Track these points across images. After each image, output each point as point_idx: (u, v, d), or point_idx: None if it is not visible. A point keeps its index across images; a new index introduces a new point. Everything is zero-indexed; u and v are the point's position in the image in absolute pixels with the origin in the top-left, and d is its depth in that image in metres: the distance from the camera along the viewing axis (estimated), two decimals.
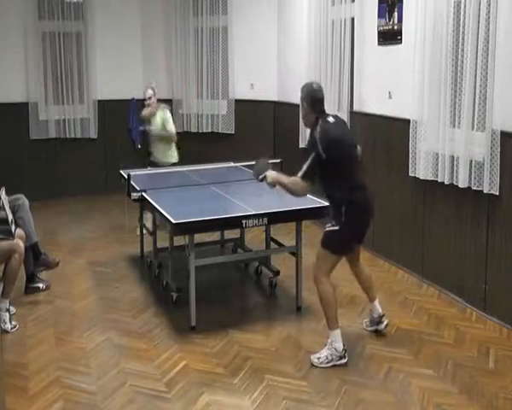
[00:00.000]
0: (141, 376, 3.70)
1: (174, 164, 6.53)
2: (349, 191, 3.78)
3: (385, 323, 4.21)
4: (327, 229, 3.87)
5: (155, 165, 6.51)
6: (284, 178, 3.86)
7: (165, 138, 6.61)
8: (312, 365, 3.81)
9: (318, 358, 3.82)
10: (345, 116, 6.11)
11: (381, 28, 5.56)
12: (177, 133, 8.13)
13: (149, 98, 6.61)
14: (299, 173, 3.72)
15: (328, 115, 3.86)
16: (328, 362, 3.79)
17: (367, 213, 3.93)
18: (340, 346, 3.81)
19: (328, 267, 3.87)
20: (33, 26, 7.82)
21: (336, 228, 3.79)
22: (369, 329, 4.28)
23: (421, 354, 3.95)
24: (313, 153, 3.69)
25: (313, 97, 3.83)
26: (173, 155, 6.65)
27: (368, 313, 4.34)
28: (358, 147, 4.08)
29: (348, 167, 3.83)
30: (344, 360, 3.80)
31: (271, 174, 3.89)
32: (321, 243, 3.89)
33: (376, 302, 4.23)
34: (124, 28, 8.37)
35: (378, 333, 4.23)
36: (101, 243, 6.39)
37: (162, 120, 6.60)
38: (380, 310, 4.22)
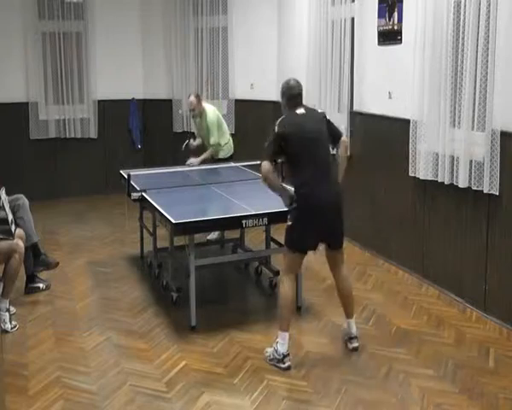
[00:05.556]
0: (141, 376, 3.70)
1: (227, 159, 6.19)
2: (300, 186, 3.73)
3: (354, 345, 3.93)
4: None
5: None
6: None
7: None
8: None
9: (266, 351, 3.85)
10: (345, 116, 6.13)
11: (381, 28, 5.56)
12: (177, 133, 8.23)
13: (193, 110, 6.04)
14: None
15: (301, 107, 3.87)
16: (270, 360, 3.78)
17: (319, 212, 3.69)
18: (281, 350, 3.71)
19: (288, 266, 3.84)
20: (33, 26, 7.82)
21: (289, 223, 3.78)
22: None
23: (421, 354, 3.94)
24: (270, 136, 3.78)
25: (289, 95, 3.94)
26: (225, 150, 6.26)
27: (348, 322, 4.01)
28: (343, 139, 3.97)
29: (302, 161, 3.72)
30: (283, 366, 3.69)
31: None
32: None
33: (352, 321, 3.96)
34: (124, 28, 8.36)
35: (378, 333, 4.23)
36: (101, 243, 6.39)
37: (207, 125, 6.04)
38: (353, 331, 3.95)
